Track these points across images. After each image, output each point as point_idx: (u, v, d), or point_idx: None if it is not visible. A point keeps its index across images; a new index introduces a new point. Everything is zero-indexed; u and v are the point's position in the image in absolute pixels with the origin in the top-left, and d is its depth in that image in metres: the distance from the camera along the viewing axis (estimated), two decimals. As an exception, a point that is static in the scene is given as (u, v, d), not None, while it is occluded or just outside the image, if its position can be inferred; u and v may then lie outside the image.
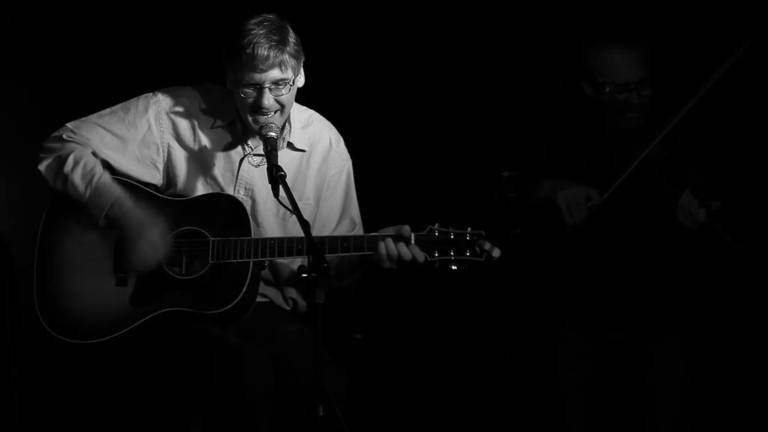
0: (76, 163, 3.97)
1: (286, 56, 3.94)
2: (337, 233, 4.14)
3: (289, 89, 3.98)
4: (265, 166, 3.99)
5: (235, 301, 3.91)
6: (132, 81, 4.80)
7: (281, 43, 3.93)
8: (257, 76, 3.92)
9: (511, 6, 5.08)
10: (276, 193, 3.83)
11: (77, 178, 3.95)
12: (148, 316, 3.92)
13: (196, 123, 4.09)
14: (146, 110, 4.06)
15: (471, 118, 5.15)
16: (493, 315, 4.01)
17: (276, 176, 3.83)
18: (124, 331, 3.91)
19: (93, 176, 3.95)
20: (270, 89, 3.95)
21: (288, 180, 3.86)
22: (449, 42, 5.19)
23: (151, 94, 4.10)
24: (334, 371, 3.86)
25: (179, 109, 4.09)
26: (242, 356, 3.80)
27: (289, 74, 3.96)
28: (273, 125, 3.99)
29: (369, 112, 5.14)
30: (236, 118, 4.08)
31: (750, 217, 4.16)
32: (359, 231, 4.19)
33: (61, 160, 3.98)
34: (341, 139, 4.23)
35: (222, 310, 3.90)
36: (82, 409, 4.52)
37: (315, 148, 4.16)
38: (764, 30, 4.05)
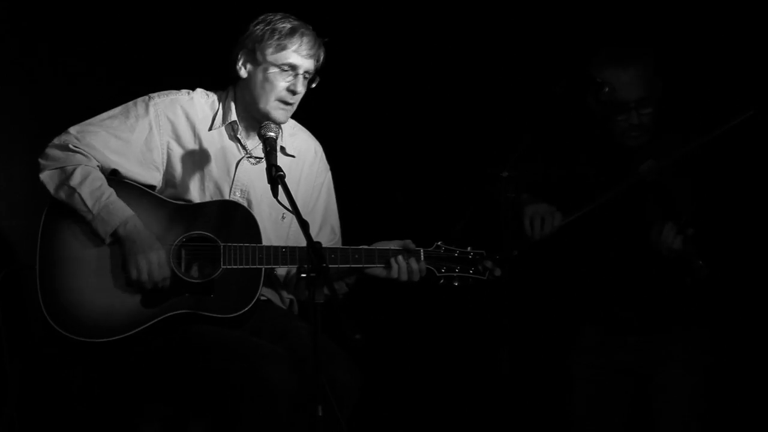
0: (84, 178, 3.95)
1: (322, 52, 4.06)
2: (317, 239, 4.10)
3: (313, 84, 4.07)
4: (262, 166, 4.01)
5: (248, 306, 3.94)
6: (132, 82, 4.81)
7: (318, 38, 4.06)
8: (300, 60, 4.01)
9: (510, 7, 5.09)
10: (275, 193, 3.83)
11: (86, 193, 3.94)
12: (160, 318, 3.93)
13: (194, 124, 4.10)
14: (146, 112, 4.07)
15: (468, 119, 5.17)
16: (492, 315, 4.03)
17: (275, 176, 3.84)
18: (135, 331, 3.91)
19: (102, 194, 3.94)
20: (303, 77, 4.03)
21: None
22: (447, 42, 5.21)
23: (147, 97, 4.11)
24: (346, 365, 3.90)
25: (177, 110, 4.10)
26: (263, 356, 3.82)
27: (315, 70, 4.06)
28: (272, 126, 4.01)
29: (366, 114, 5.17)
30: (234, 120, 4.10)
31: (725, 244, 4.20)
32: (339, 241, 4.27)
33: (67, 173, 3.97)
34: (322, 150, 4.31)
35: (235, 315, 3.93)
36: (83, 409, 4.53)
37: (303, 157, 4.22)
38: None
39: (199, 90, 4.17)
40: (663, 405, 4.38)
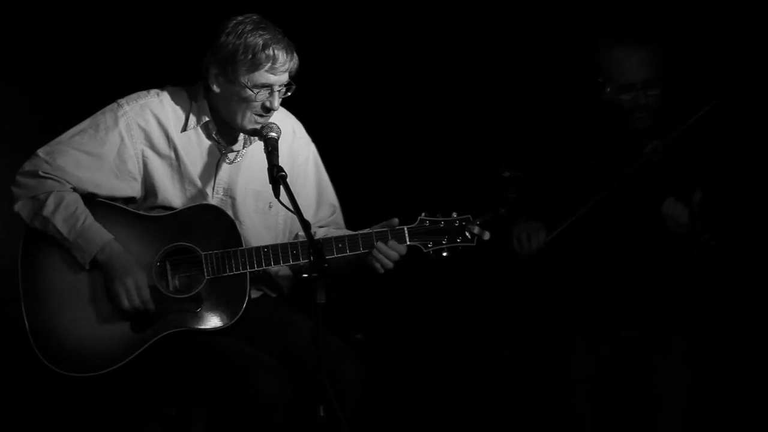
0: (57, 206, 3.88)
1: (296, 59, 3.94)
2: (317, 219, 4.14)
3: (289, 92, 3.98)
4: (241, 162, 4.01)
5: (240, 314, 3.90)
6: (132, 83, 4.80)
7: (290, 46, 3.94)
8: (274, 78, 3.91)
9: (511, 7, 5.10)
10: (277, 194, 3.82)
11: (59, 221, 3.87)
12: (152, 341, 3.89)
13: (167, 128, 4.02)
14: (116, 123, 3.98)
15: (470, 119, 5.17)
16: (494, 313, 4.03)
17: (277, 176, 3.83)
18: (129, 359, 3.88)
19: (77, 221, 3.88)
20: (279, 91, 3.94)
21: (262, 175, 3.88)
22: (445, 37, 5.21)
23: (115, 105, 4.01)
24: (350, 360, 3.86)
25: (148, 116, 4.00)
26: (254, 366, 3.79)
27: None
28: (273, 125, 3.97)
29: (366, 110, 5.16)
30: (209, 118, 4.02)
31: (732, 216, 4.20)
32: (339, 214, 4.20)
33: (40, 202, 3.89)
34: (301, 125, 4.19)
35: (228, 325, 3.90)
36: (83, 409, 4.51)
37: (280, 140, 4.03)
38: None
39: (168, 88, 4.06)
40: (661, 398, 4.38)
